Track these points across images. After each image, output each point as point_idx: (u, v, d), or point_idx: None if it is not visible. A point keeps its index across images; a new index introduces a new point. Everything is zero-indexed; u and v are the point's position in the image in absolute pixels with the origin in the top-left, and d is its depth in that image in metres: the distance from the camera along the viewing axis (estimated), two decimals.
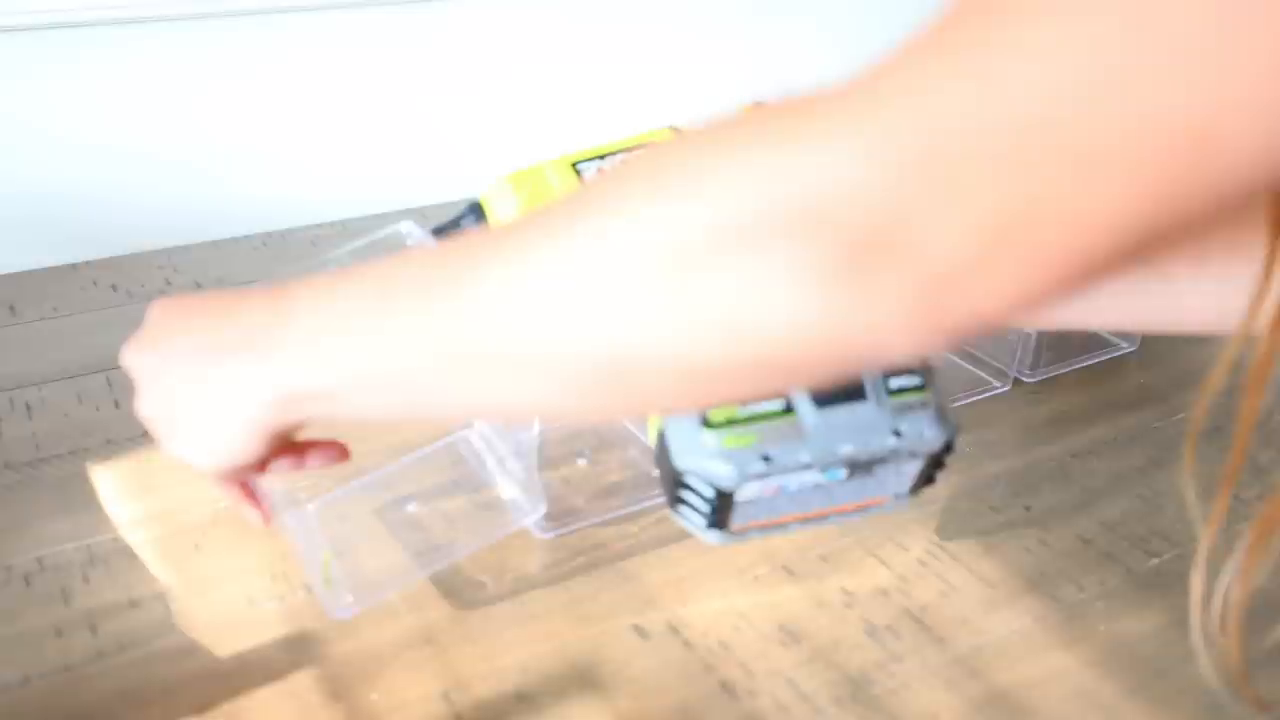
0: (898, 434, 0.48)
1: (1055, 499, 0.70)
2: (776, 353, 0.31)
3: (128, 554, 0.63)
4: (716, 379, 0.33)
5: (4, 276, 0.95)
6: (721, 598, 0.60)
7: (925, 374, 0.49)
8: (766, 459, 0.46)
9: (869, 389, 0.48)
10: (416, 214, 1.11)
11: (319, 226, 1.08)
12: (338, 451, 0.54)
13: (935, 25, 0.28)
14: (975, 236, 0.27)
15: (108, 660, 0.55)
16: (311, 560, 0.60)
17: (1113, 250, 0.27)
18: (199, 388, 0.44)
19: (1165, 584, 0.61)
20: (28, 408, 0.76)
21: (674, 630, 0.58)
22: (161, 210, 1.03)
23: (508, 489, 0.66)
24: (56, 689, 0.54)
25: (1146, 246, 0.27)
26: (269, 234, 1.06)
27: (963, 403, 0.78)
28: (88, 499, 0.67)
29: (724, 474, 0.45)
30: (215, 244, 1.03)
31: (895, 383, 0.48)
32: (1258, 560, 0.38)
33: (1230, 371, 0.36)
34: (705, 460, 0.46)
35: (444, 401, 0.39)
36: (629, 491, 0.68)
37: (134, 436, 0.73)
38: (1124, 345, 0.87)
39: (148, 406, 0.48)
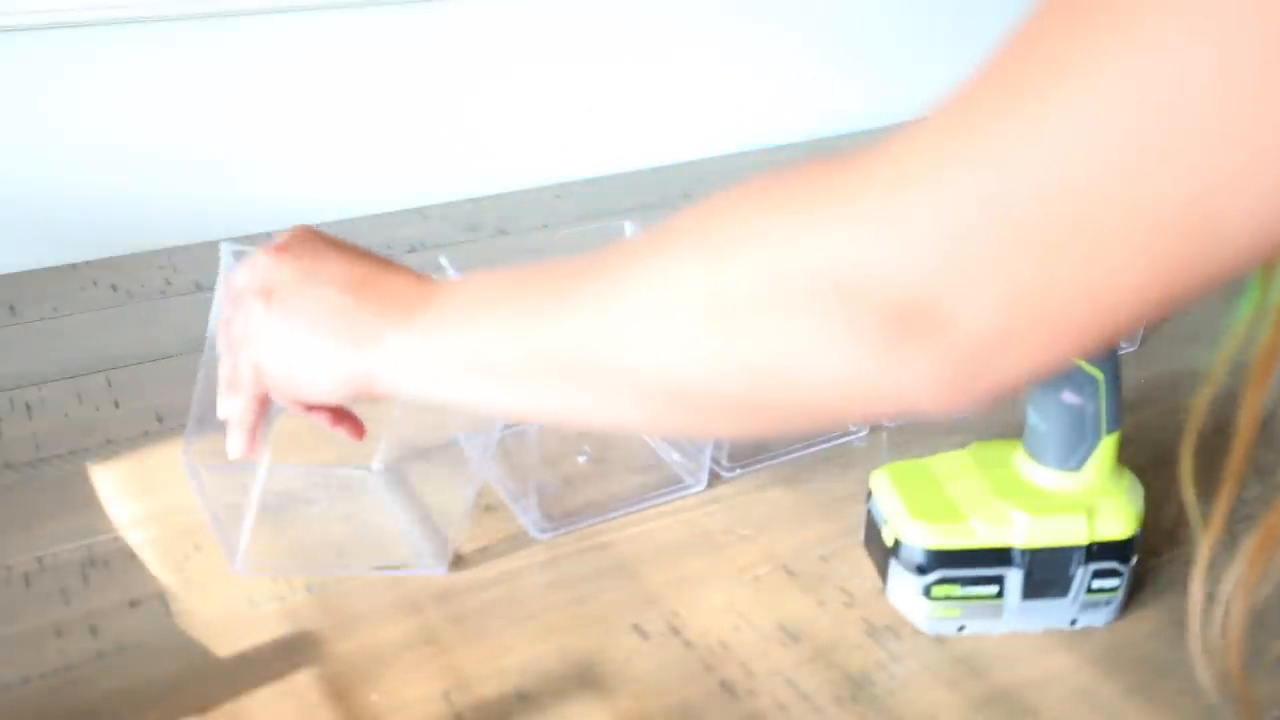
0: (1073, 623, 0.58)
1: None
2: (817, 401, 0.35)
3: (128, 554, 0.63)
4: (764, 415, 0.37)
5: (4, 276, 0.95)
6: (721, 598, 0.60)
7: (1127, 569, 0.57)
8: (961, 628, 0.57)
9: (1075, 586, 0.57)
10: (416, 213, 1.11)
11: (319, 226, 1.07)
12: (361, 428, 0.58)
13: (960, 99, 0.30)
14: (999, 313, 0.29)
15: (108, 660, 0.55)
16: (250, 505, 0.59)
17: (1126, 319, 0.29)
18: (335, 323, 0.48)
19: (1166, 584, 0.61)
20: (28, 408, 0.76)
21: (674, 630, 0.58)
22: (161, 210, 1.03)
23: (408, 535, 0.66)
24: (56, 689, 0.54)
25: (1158, 313, 0.29)
26: (269, 234, 1.05)
27: None
28: (88, 499, 0.67)
29: (924, 627, 0.58)
30: (215, 244, 1.02)
31: (1098, 584, 0.57)
32: (1260, 570, 0.38)
33: (1230, 370, 0.36)
34: (913, 613, 0.58)
35: (528, 400, 0.44)
36: (629, 491, 0.68)
37: (134, 436, 0.73)
38: (1124, 345, 0.87)
39: (262, 312, 0.50)
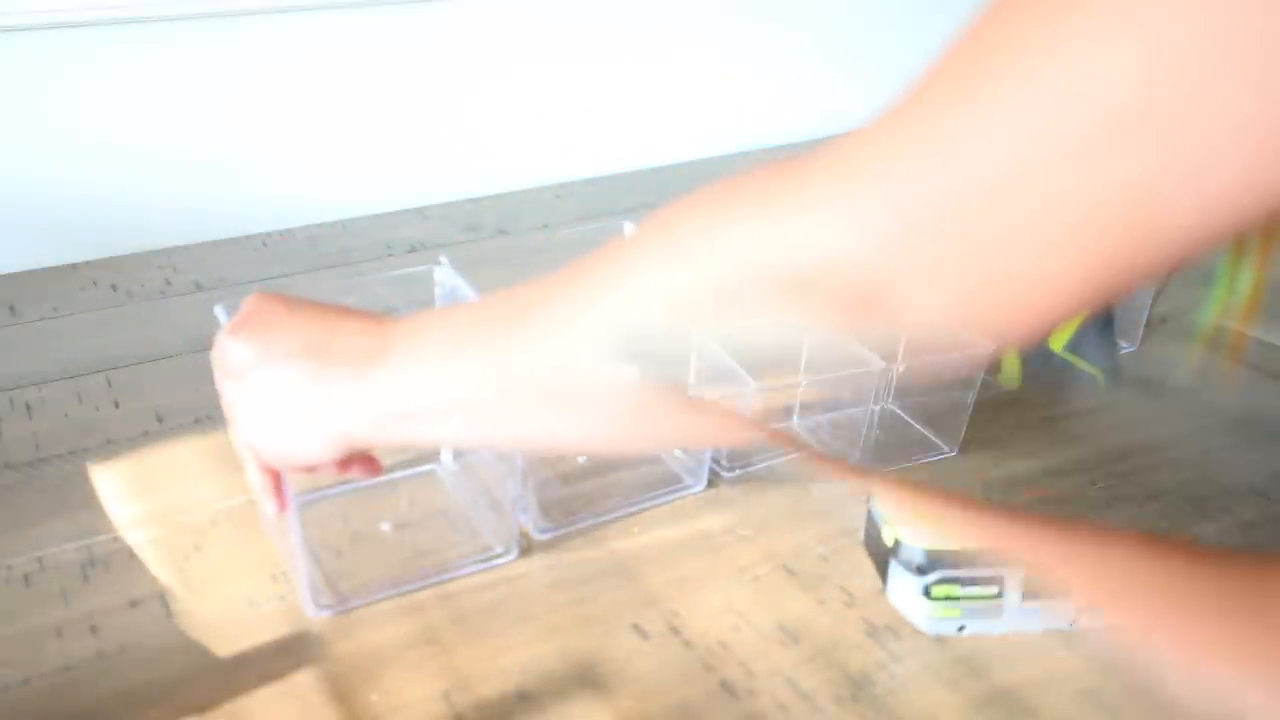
0: (1073, 623, 0.58)
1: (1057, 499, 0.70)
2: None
3: (128, 554, 0.63)
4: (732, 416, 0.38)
5: (4, 276, 0.95)
6: (721, 598, 0.60)
7: None
8: (961, 628, 0.58)
9: None
10: (416, 213, 1.11)
11: (319, 226, 1.08)
12: (374, 464, 0.58)
13: (917, 88, 0.30)
14: (950, 299, 0.30)
15: (108, 660, 0.55)
16: (295, 554, 0.60)
17: (1076, 304, 0.30)
18: (300, 393, 0.47)
19: None
20: (28, 408, 0.76)
21: (674, 630, 0.58)
22: (161, 210, 1.03)
23: (482, 527, 0.65)
24: (56, 689, 0.54)
25: (1109, 297, 0.29)
26: (269, 234, 1.06)
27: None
28: (88, 499, 0.67)
29: (924, 627, 0.58)
30: (215, 244, 1.03)
31: None
32: None
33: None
34: (913, 613, 0.58)
35: (504, 430, 0.44)
36: (629, 491, 0.68)
37: (134, 436, 0.73)
38: (1123, 345, 0.87)
39: (237, 392, 0.50)
